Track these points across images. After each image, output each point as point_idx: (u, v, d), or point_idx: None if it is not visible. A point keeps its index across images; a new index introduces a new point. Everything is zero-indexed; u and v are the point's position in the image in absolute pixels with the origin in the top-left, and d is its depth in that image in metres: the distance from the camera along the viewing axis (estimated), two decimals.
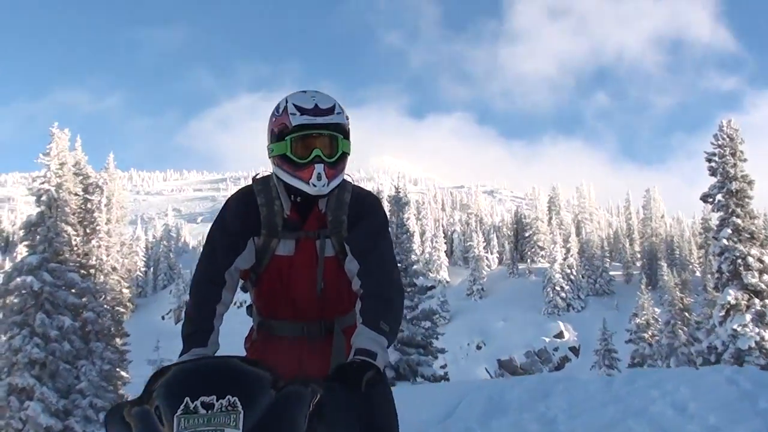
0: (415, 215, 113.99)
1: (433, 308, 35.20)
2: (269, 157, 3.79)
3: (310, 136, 3.61)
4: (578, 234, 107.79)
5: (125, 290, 47.26)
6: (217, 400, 2.41)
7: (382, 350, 3.31)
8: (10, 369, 33.16)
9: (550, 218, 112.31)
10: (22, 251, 41.55)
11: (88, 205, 47.52)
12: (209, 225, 4.01)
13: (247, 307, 4.14)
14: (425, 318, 34.29)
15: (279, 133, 3.67)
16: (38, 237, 38.49)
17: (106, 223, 48.55)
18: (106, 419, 2.64)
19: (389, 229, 3.94)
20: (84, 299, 38.72)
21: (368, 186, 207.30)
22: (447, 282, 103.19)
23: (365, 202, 3.88)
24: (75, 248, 42.37)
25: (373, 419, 3.55)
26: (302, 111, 3.61)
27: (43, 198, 40.22)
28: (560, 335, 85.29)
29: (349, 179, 3.87)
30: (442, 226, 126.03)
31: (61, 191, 40.80)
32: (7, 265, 43.41)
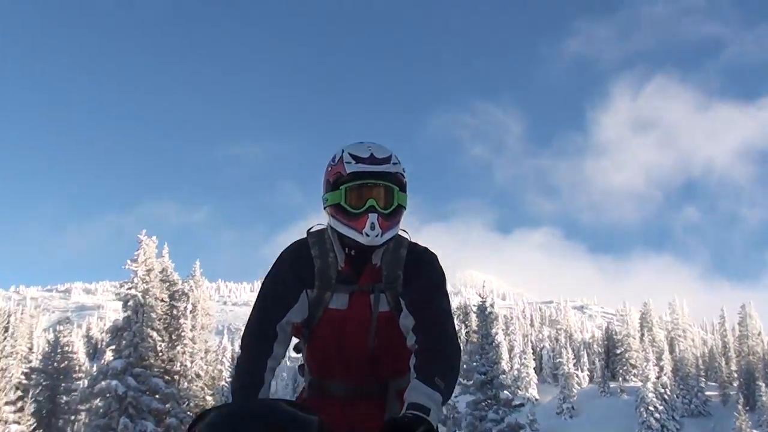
0: (503, 330, 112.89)
1: (520, 422, 34.29)
2: (324, 208, 3.73)
3: (365, 186, 3.58)
4: (671, 351, 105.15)
5: (209, 397, 47.31)
6: None
7: (437, 406, 3.12)
8: None
9: (642, 335, 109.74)
10: (108, 356, 41.98)
11: (174, 312, 48.16)
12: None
13: (299, 367, 4.02)
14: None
15: (334, 182, 3.63)
16: (124, 342, 39.08)
17: (191, 330, 48.93)
18: None
19: (446, 285, 3.80)
20: (167, 405, 38.86)
21: (455, 300, 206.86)
22: (536, 399, 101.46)
23: (422, 258, 3.77)
24: (160, 354, 42.80)
25: None
26: (357, 159, 3.57)
27: (130, 303, 40.94)
28: None
29: (406, 235, 3.81)
30: (531, 342, 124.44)
31: (147, 297, 41.51)
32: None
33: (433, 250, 3.86)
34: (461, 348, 3.53)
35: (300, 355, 3.98)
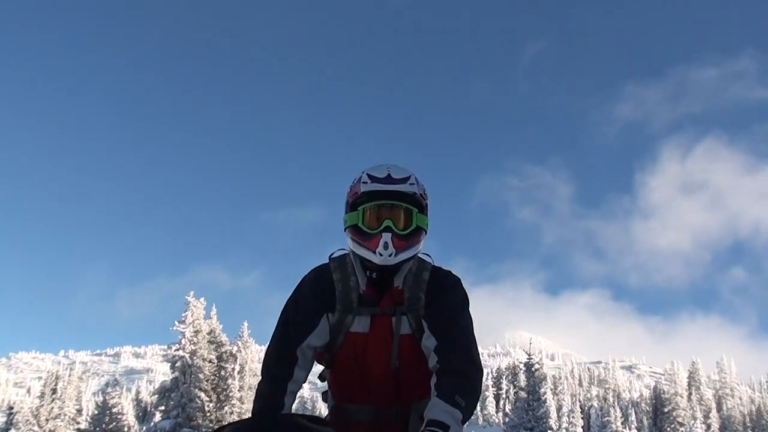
0: (551, 390, 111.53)
1: None
2: (344, 230, 3.75)
3: (383, 207, 3.61)
4: (719, 410, 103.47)
5: None
6: None
7: (456, 424, 3.16)
8: None
9: (690, 393, 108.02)
10: (157, 417, 42.07)
11: (222, 372, 47.96)
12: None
13: (323, 394, 4.03)
14: None
15: (352, 203, 3.68)
16: (172, 402, 39.13)
17: (239, 390, 48.64)
18: None
19: (469, 308, 3.80)
20: None
21: (504, 361, 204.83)
22: None
23: (445, 281, 3.78)
24: (208, 414, 42.71)
25: None
26: (374, 179, 3.62)
27: (178, 364, 40.97)
28: None
29: (429, 260, 3.82)
30: (579, 401, 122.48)
31: (195, 358, 41.51)
32: None
33: (456, 274, 3.84)
34: (483, 370, 3.52)
35: (324, 383, 3.96)
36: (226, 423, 3.08)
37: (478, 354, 3.60)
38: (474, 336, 3.69)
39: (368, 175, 3.65)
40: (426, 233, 3.74)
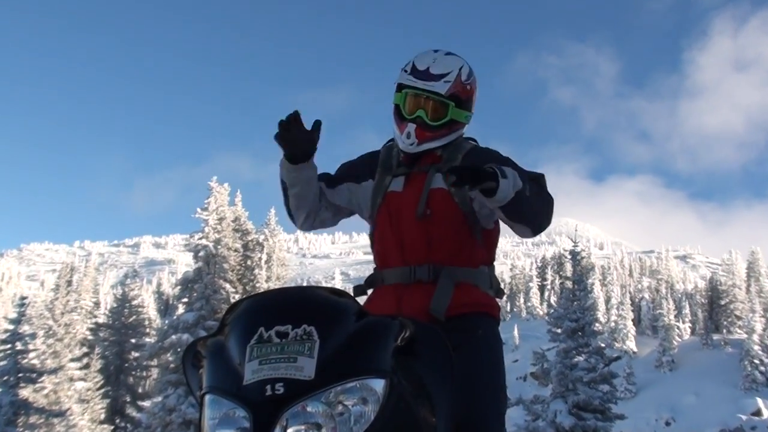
0: (600, 281, 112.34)
1: (613, 372, 34.17)
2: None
3: (419, 95, 3.85)
4: None
5: None
6: (292, 330, 2.41)
7: (514, 177, 3.36)
8: (163, 429, 33.96)
9: (749, 285, 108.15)
10: (179, 310, 42.63)
11: (248, 262, 48.47)
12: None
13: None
14: (603, 381, 33.43)
15: (398, 84, 3.93)
16: (195, 294, 39.46)
17: (266, 281, 49.21)
18: (184, 355, 2.74)
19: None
20: None
21: (549, 251, 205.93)
22: (633, 353, 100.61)
23: (487, 150, 3.99)
24: None
25: (479, 357, 3.58)
26: (413, 71, 3.87)
27: (201, 254, 41.24)
28: (758, 413, 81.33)
29: (474, 143, 4.09)
30: (630, 293, 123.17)
31: (219, 247, 41.77)
32: None
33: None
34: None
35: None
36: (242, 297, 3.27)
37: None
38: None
39: (413, 64, 3.90)
40: (467, 124, 4.03)
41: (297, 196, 3.95)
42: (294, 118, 3.53)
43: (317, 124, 3.66)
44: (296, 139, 3.64)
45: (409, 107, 3.86)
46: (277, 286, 51.65)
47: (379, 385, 2.39)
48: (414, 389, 2.55)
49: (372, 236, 4.08)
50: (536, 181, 3.61)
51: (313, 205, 4.04)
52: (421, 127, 3.82)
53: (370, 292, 4.04)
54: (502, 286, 4.00)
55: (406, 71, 3.88)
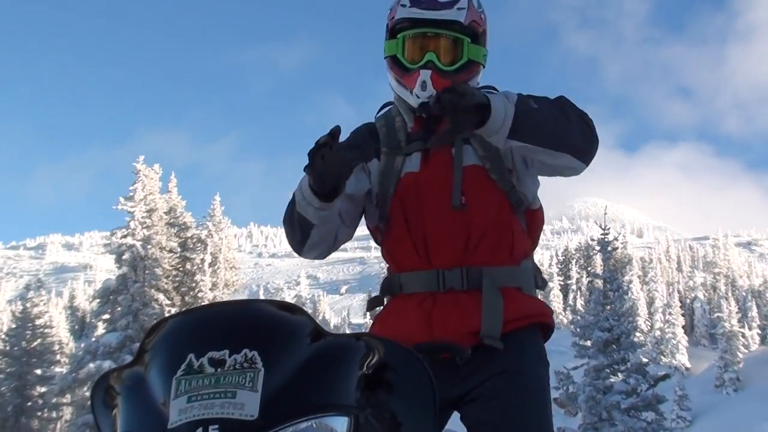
0: (639, 277, 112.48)
1: (658, 394, 34.08)
2: (384, 59, 3.88)
3: (425, 36, 3.71)
4: None
5: None
6: (229, 356, 2.28)
7: (505, 100, 3.29)
8: None
9: None
10: (99, 330, 42.36)
11: (187, 266, 48.47)
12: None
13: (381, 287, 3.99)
14: (647, 407, 33.39)
15: (391, 29, 3.81)
16: (119, 308, 39.29)
17: (211, 289, 49.16)
18: (93, 391, 2.61)
19: None
20: None
21: (574, 240, 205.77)
22: (686, 369, 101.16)
23: None
24: None
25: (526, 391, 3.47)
26: (414, 2, 3.70)
27: (126, 256, 41.03)
28: None
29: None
30: (679, 291, 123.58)
31: (149, 247, 41.62)
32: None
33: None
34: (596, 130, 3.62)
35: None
36: (170, 314, 3.05)
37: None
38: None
39: None
40: (484, 66, 3.88)
41: (321, 235, 3.73)
42: (333, 139, 3.18)
43: (355, 156, 3.62)
44: (332, 171, 3.32)
45: (412, 53, 3.71)
46: (226, 296, 51.73)
47: (340, 424, 2.28)
48: (386, 429, 2.45)
49: (380, 231, 3.92)
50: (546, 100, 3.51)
51: (334, 238, 3.85)
52: (437, 72, 3.65)
53: (387, 301, 3.88)
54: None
55: (403, 5, 3.71)
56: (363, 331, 3.77)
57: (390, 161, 3.81)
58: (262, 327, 2.41)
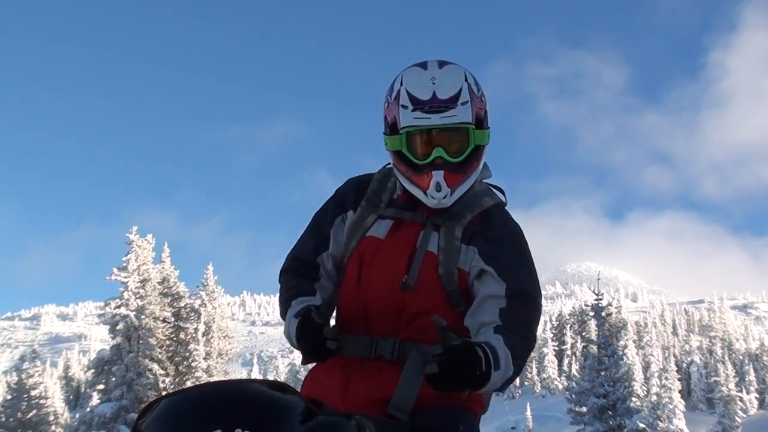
0: (634, 342, 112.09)
1: None
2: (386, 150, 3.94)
3: (431, 132, 3.73)
4: None
5: None
6: None
7: (506, 362, 3.35)
8: None
9: None
10: (94, 400, 42.06)
11: (181, 335, 48.04)
12: None
13: None
14: None
15: (392, 124, 3.82)
16: (113, 379, 39.04)
17: (204, 359, 48.78)
18: None
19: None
20: None
21: (567, 304, 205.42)
22: None
23: (504, 231, 3.90)
24: (164, 391, 42.97)
25: None
26: (415, 103, 3.71)
27: (120, 326, 40.73)
28: None
29: (501, 197, 4.03)
30: (675, 356, 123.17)
31: (143, 317, 41.34)
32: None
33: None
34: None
35: None
36: (163, 394, 3.01)
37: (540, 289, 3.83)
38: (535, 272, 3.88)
39: (408, 94, 3.73)
40: (488, 143, 3.90)
41: None
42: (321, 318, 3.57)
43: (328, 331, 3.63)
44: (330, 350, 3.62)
45: (420, 148, 3.74)
46: (220, 365, 51.47)
47: None
48: None
49: (337, 286, 4.01)
50: (524, 342, 3.56)
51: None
52: (449, 170, 3.72)
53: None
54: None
55: (405, 107, 3.71)
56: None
57: (363, 216, 3.93)
58: (254, 407, 2.46)
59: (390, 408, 3.48)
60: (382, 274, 3.76)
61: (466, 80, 3.78)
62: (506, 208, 4.03)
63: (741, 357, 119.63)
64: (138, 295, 41.85)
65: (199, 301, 53.09)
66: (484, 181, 4.03)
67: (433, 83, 3.71)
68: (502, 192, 4.02)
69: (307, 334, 3.58)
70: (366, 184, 4.04)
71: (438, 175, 3.68)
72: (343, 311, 3.89)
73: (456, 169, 3.72)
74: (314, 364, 3.94)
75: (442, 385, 3.14)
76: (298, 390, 2.76)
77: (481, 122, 3.79)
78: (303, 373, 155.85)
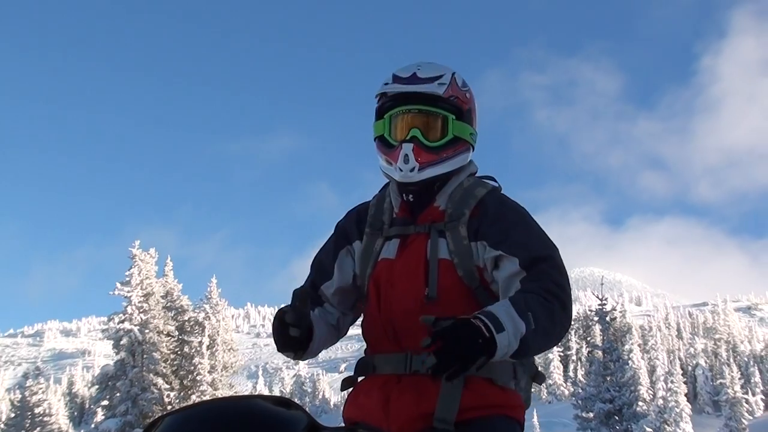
0: (639, 346, 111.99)
1: None
2: (374, 141, 4.02)
3: (409, 114, 3.83)
4: None
5: None
6: None
7: (512, 320, 3.22)
8: None
9: None
10: (98, 415, 41.96)
11: (185, 349, 47.87)
12: None
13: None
14: None
15: (378, 110, 3.95)
16: (118, 394, 38.99)
17: (209, 372, 48.62)
18: None
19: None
20: None
21: (574, 309, 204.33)
22: None
23: (501, 208, 3.85)
24: (168, 406, 42.83)
25: None
26: (396, 79, 3.85)
27: (123, 341, 40.65)
28: None
29: (494, 184, 4.01)
30: (680, 359, 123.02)
31: (147, 331, 41.27)
32: None
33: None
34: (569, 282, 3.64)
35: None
36: (167, 411, 3.01)
37: (559, 254, 3.77)
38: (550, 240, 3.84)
39: (393, 75, 3.88)
40: (473, 147, 3.98)
41: (316, 349, 3.85)
42: (300, 307, 3.50)
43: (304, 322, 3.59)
44: (294, 338, 3.56)
45: (397, 130, 3.83)
46: (225, 378, 51.31)
47: None
48: None
49: (361, 310, 4.08)
50: (546, 295, 3.45)
51: (336, 337, 4.04)
52: (420, 147, 3.75)
53: (361, 380, 3.93)
54: (540, 367, 3.90)
55: (386, 83, 3.85)
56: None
57: (370, 243, 3.94)
58: (258, 424, 2.43)
59: (435, 421, 3.44)
60: (403, 292, 3.73)
61: (453, 75, 3.87)
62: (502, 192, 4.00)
63: (746, 359, 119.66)
64: (141, 310, 41.80)
65: (203, 314, 52.91)
66: (472, 175, 4.02)
67: (418, 68, 3.83)
68: (494, 180, 4.04)
69: (274, 324, 3.56)
70: (365, 211, 4.07)
71: (407, 148, 3.74)
72: (371, 334, 3.89)
73: (428, 149, 3.76)
74: (351, 389, 3.94)
75: (448, 370, 3.05)
76: (304, 405, 2.73)
77: (461, 114, 3.85)
78: (308, 384, 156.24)
